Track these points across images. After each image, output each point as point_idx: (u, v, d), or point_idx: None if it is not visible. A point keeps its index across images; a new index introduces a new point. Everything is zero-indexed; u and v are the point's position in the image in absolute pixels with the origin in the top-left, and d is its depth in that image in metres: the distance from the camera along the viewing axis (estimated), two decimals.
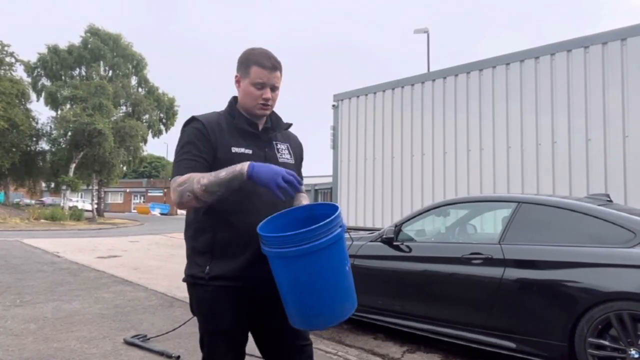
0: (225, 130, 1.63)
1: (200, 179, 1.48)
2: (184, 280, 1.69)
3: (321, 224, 1.42)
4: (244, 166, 1.48)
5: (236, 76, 1.70)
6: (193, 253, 1.65)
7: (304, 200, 1.79)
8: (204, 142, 1.58)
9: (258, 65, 1.63)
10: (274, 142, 1.75)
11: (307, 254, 1.41)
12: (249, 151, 1.63)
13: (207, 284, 1.59)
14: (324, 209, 1.57)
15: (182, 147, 1.60)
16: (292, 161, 1.79)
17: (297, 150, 1.86)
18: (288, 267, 1.45)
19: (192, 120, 1.65)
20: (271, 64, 1.64)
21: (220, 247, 1.58)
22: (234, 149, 1.61)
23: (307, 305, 1.49)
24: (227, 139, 1.62)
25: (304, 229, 1.41)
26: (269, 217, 1.54)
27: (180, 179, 1.52)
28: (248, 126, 1.67)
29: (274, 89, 1.66)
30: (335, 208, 1.52)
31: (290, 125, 1.83)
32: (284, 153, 1.76)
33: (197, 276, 1.61)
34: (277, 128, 1.76)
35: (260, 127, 1.72)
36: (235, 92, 1.74)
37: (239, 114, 1.68)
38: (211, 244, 1.59)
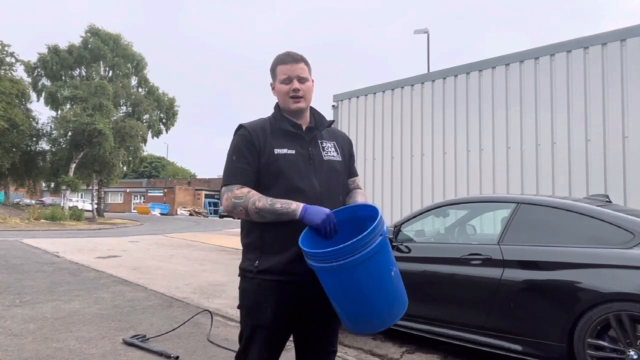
0: (268, 133, 1.71)
1: (256, 202, 1.59)
2: (238, 275, 1.76)
3: (360, 237, 1.42)
4: (298, 207, 1.56)
5: (271, 84, 1.79)
6: (245, 249, 1.74)
7: (359, 198, 1.83)
8: (251, 149, 1.67)
9: (280, 64, 1.74)
10: (319, 141, 1.79)
11: (350, 267, 1.42)
12: (292, 151, 1.69)
13: (254, 277, 1.66)
14: (366, 211, 1.60)
15: (232, 154, 1.71)
16: (339, 158, 1.82)
17: (346, 147, 1.89)
18: (333, 279, 1.48)
19: (240, 128, 1.74)
20: (292, 58, 1.73)
21: (269, 243, 1.65)
22: (277, 151, 1.67)
23: (356, 313, 1.52)
24: (271, 142, 1.69)
25: (344, 245, 1.41)
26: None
27: (237, 191, 1.63)
28: (290, 127, 1.73)
29: (301, 80, 1.72)
30: (377, 212, 1.53)
31: (332, 122, 1.87)
32: (330, 150, 1.80)
33: (247, 269, 1.69)
34: (320, 127, 1.81)
35: (304, 127, 1.77)
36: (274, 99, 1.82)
37: (281, 116, 1.76)
38: (260, 240, 1.66)
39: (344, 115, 8.87)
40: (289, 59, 1.73)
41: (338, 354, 3.44)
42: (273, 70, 1.77)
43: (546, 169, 6.12)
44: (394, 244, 3.89)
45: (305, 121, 1.78)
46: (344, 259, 1.40)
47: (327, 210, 1.55)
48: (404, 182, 7.68)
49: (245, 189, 1.63)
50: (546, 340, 2.96)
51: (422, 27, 16.61)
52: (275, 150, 1.67)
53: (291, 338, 1.78)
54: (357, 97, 8.66)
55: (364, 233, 1.42)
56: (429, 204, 4.43)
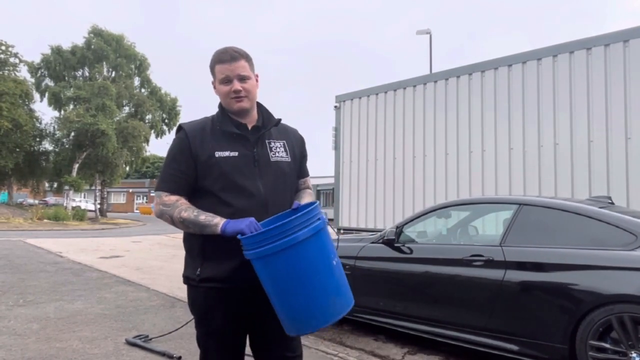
0: (209, 135, 1.62)
1: (182, 212, 1.55)
2: (184, 282, 1.72)
3: (294, 217, 1.40)
4: (220, 221, 1.51)
5: (212, 83, 1.70)
6: (187, 255, 1.70)
7: (306, 197, 1.75)
8: (185, 154, 1.60)
9: (218, 63, 1.63)
10: (267, 141, 1.69)
11: (284, 249, 1.37)
12: (235, 153, 1.60)
13: (198, 285, 1.62)
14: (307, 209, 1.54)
15: (167, 158, 1.66)
16: (287, 158, 1.71)
17: (297, 146, 1.79)
18: (268, 266, 1.42)
19: (179, 129, 1.66)
20: (229, 56, 1.62)
21: (210, 250, 1.59)
22: (218, 154, 1.59)
23: (295, 307, 1.44)
24: (211, 145, 1.60)
25: (277, 224, 1.39)
26: (252, 232, 1.50)
27: (166, 198, 1.60)
28: (234, 127, 1.63)
29: (242, 78, 1.62)
30: (313, 202, 1.51)
31: (279, 120, 1.74)
32: (279, 151, 1.70)
33: (190, 277, 1.64)
34: (267, 125, 1.71)
35: (250, 127, 1.68)
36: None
37: (223, 116, 1.66)
38: (202, 246, 1.60)
39: (346, 116, 8.87)
40: (227, 57, 1.61)
41: (340, 355, 3.46)
42: (212, 69, 1.66)
43: (548, 170, 6.12)
44: (396, 244, 3.90)
45: (251, 120, 1.68)
46: (277, 240, 1.36)
47: (250, 218, 1.49)
48: (406, 183, 7.68)
49: (174, 197, 1.58)
50: (548, 342, 2.96)
51: (424, 25, 16.68)
52: (215, 152, 1.59)
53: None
54: (360, 98, 8.66)
55: (299, 213, 1.41)
56: (431, 205, 4.43)
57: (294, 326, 1.48)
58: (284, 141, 1.74)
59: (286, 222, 1.39)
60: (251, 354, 1.77)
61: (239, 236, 1.46)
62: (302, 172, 1.83)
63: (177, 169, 1.60)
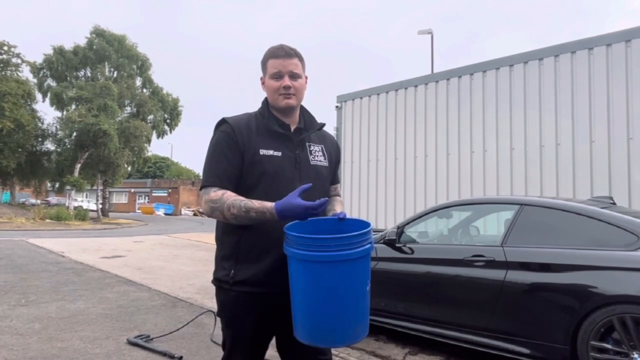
0: (254, 132, 1.59)
1: (231, 207, 1.47)
2: (212, 282, 1.68)
3: (353, 234, 1.37)
4: (272, 210, 1.44)
5: (261, 78, 1.68)
6: (220, 256, 1.65)
7: (338, 205, 1.73)
8: (233, 147, 1.56)
9: (272, 57, 1.62)
10: (307, 144, 1.69)
11: (332, 262, 1.34)
12: (278, 153, 1.59)
13: (230, 289, 1.58)
14: (354, 225, 1.50)
15: (213, 152, 1.59)
16: (325, 163, 1.72)
17: (333, 152, 1.79)
18: (309, 272, 1.38)
19: (222, 123, 1.62)
20: (284, 52, 1.61)
21: (245, 251, 1.56)
22: (262, 151, 1.57)
23: (321, 317, 1.40)
24: (256, 141, 1.58)
25: (334, 236, 1.36)
26: (296, 221, 1.48)
27: (213, 194, 1.51)
28: (279, 127, 1.62)
29: (293, 76, 1.61)
30: (368, 224, 1.46)
31: (323, 125, 1.76)
32: (317, 155, 1.70)
33: (222, 280, 1.60)
34: (309, 128, 1.70)
35: (293, 128, 1.67)
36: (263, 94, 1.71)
37: (269, 114, 1.64)
38: (237, 247, 1.57)
39: (347, 116, 8.87)
40: (282, 52, 1.60)
41: (341, 355, 3.46)
42: (264, 64, 1.65)
43: (550, 171, 6.10)
44: (397, 245, 3.90)
45: (294, 121, 1.67)
46: (329, 250, 1.34)
47: (299, 204, 1.41)
48: (408, 183, 7.67)
49: (221, 192, 1.51)
50: (550, 343, 2.95)
51: (426, 24, 16.75)
52: (260, 150, 1.56)
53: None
54: (361, 97, 8.66)
55: (359, 232, 1.38)
56: (433, 205, 4.42)
57: (307, 334, 1.45)
58: (322, 146, 1.74)
59: (346, 236, 1.36)
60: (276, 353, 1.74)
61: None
62: (335, 178, 1.84)
63: (227, 161, 1.55)
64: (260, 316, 1.58)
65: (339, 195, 1.86)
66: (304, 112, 1.73)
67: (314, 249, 1.35)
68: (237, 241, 1.55)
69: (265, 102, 1.68)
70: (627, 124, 5.55)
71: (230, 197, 1.49)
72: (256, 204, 1.46)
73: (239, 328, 1.60)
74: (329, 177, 1.75)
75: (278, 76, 1.60)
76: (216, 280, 1.64)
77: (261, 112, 1.66)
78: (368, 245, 1.41)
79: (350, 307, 1.41)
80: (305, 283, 1.40)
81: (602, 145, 5.70)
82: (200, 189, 1.58)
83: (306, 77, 1.68)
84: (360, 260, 1.40)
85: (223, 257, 1.62)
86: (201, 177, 1.64)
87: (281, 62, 1.59)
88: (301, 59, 1.64)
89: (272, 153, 1.58)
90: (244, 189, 1.56)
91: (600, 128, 5.73)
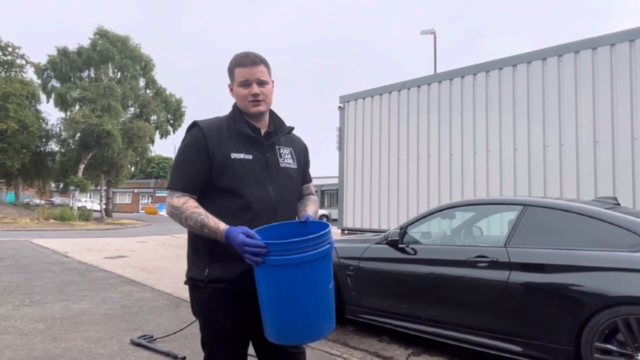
0: (225, 135, 1.63)
1: (188, 218, 1.54)
2: (185, 282, 1.71)
3: (310, 237, 1.43)
4: (222, 234, 1.48)
5: (229, 85, 1.73)
6: (193, 255, 1.67)
7: (310, 205, 1.79)
8: (201, 152, 1.59)
9: (239, 66, 1.66)
10: (277, 147, 1.74)
11: (292, 265, 1.40)
12: (249, 156, 1.63)
13: (205, 287, 1.60)
14: (316, 227, 1.56)
15: (181, 156, 1.64)
16: (294, 166, 1.78)
17: (301, 154, 1.85)
18: (271, 276, 1.44)
19: (194, 126, 1.65)
20: (250, 60, 1.65)
21: (219, 250, 1.57)
22: (234, 155, 1.61)
23: (283, 319, 1.47)
24: (227, 145, 1.62)
25: (292, 240, 1.41)
26: (262, 227, 1.53)
27: (176, 199, 1.58)
28: (250, 130, 1.66)
29: (261, 83, 1.66)
30: (326, 226, 1.53)
31: (292, 129, 1.81)
32: (287, 157, 1.76)
33: (197, 279, 1.63)
34: (279, 132, 1.75)
35: (263, 132, 1.71)
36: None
37: (240, 118, 1.68)
38: (210, 246, 1.59)
39: (350, 116, 8.87)
40: (248, 61, 1.65)
41: (344, 355, 3.46)
42: (231, 72, 1.69)
43: (554, 171, 6.08)
44: (400, 245, 3.89)
45: (264, 125, 1.72)
46: (289, 254, 1.39)
47: (242, 242, 1.42)
48: (411, 184, 7.67)
49: (183, 199, 1.57)
50: (553, 344, 2.94)
51: (428, 24, 16.72)
52: (231, 154, 1.60)
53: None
54: (364, 98, 8.66)
55: (315, 234, 1.44)
56: (436, 206, 4.42)
57: (275, 334, 1.51)
58: (291, 148, 1.80)
59: (302, 239, 1.41)
60: (254, 354, 1.78)
61: (254, 241, 1.45)
62: (306, 179, 1.90)
63: (192, 167, 1.59)
64: (238, 312, 1.61)
65: (312, 194, 1.91)
66: (273, 116, 1.78)
67: (274, 254, 1.40)
68: (212, 241, 1.55)
69: (236, 106, 1.72)
70: (631, 124, 5.52)
71: (189, 207, 1.55)
72: (211, 222, 1.51)
73: (216, 325, 1.62)
74: (299, 178, 1.82)
75: (246, 84, 1.65)
76: (190, 280, 1.66)
77: (232, 116, 1.70)
78: (327, 246, 1.47)
79: (311, 307, 1.47)
80: (268, 288, 1.46)
81: (606, 146, 5.67)
82: (167, 188, 1.64)
83: (273, 82, 1.73)
84: (321, 261, 1.45)
85: (196, 256, 1.65)
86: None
87: (248, 71, 1.64)
88: (267, 65, 1.69)
89: (243, 156, 1.62)
90: (216, 191, 1.60)
91: (604, 128, 5.71)
